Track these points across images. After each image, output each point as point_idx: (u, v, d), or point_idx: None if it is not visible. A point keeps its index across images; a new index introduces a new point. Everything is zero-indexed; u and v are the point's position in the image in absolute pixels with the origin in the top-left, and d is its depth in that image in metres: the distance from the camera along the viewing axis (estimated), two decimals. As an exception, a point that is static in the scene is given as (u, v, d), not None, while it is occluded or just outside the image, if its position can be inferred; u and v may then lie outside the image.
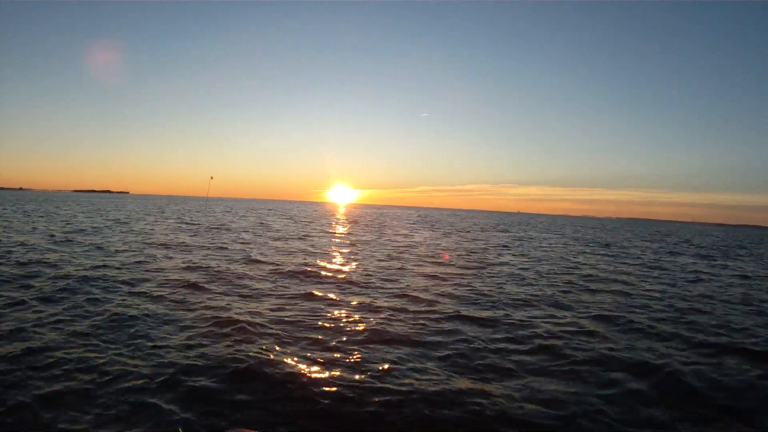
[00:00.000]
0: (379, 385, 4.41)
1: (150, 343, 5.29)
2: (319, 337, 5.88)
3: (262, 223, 30.74)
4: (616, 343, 6.21)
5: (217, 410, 3.86)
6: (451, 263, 14.12)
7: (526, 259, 16.44)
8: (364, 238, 22.32)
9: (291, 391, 4.24)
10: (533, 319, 7.25)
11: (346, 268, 11.84)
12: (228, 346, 5.30)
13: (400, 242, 21.13)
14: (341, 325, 6.46)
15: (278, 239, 19.43)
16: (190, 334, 5.75)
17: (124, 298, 7.42)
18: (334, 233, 25.37)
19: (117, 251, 12.78)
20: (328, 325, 6.39)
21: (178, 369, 4.57)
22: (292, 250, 15.56)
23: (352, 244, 18.85)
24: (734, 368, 5.40)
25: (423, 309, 7.61)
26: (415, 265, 13.03)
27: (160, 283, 8.76)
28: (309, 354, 5.21)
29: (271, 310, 7.11)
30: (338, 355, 5.24)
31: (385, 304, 7.79)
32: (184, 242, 16.11)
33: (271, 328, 6.09)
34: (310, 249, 16.09)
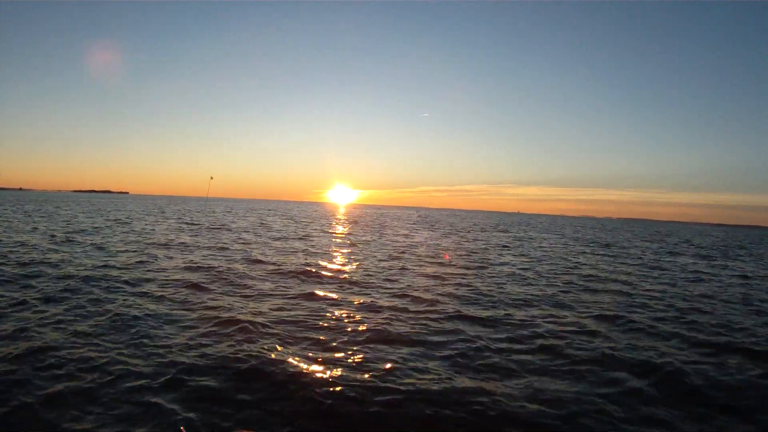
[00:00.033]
0: (381, 384, 4.42)
1: (152, 343, 5.30)
2: (321, 337, 5.89)
3: (262, 224, 30.76)
4: (617, 342, 6.22)
5: (219, 410, 3.87)
6: (452, 263, 14.14)
7: (527, 259, 16.45)
8: (364, 239, 22.33)
9: (293, 391, 4.25)
10: (534, 319, 7.27)
11: (347, 268, 11.86)
12: (230, 346, 5.31)
13: (400, 242, 21.14)
14: (343, 324, 6.48)
15: (279, 239, 19.45)
16: (192, 334, 5.76)
17: (126, 298, 7.43)
18: (335, 233, 25.38)
19: (118, 251, 12.80)
20: (329, 325, 6.41)
21: (180, 369, 4.58)
22: (293, 250, 15.57)
23: (353, 245, 18.86)
24: (735, 367, 5.41)
25: (424, 309, 7.62)
26: (415, 265, 13.04)
27: (161, 283, 8.77)
28: (311, 354, 5.22)
29: (273, 310, 7.13)
30: (340, 355, 5.25)
31: (386, 304, 7.80)
32: (184, 242, 16.13)
33: (273, 328, 6.10)
34: (310, 249, 16.10)
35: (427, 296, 8.65)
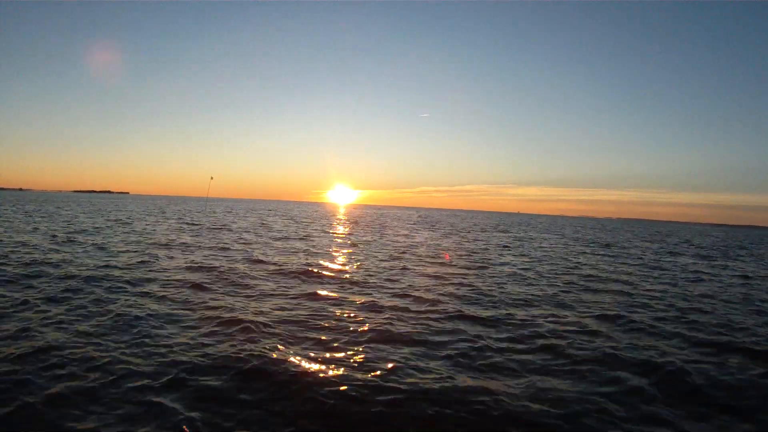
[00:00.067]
0: (383, 384, 4.43)
1: (154, 343, 5.31)
2: (323, 336, 5.90)
3: (263, 224, 30.78)
4: (618, 342, 6.23)
5: (221, 410, 3.88)
6: (452, 263, 14.15)
7: (527, 259, 16.46)
8: (365, 239, 22.34)
9: (295, 391, 4.26)
10: (535, 319, 7.28)
11: (348, 268, 11.87)
12: (232, 346, 5.32)
13: (401, 243, 21.15)
14: (344, 324, 6.49)
15: (280, 239, 19.46)
16: (194, 334, 5.78)
17: (128, 298, 7.44)
18: (335, 234, 25.40)
19: (119, 251, 12.81)
20: (331, 325, 6.42)
21: (182, 369, 4.59)
22: (294, 250, 15.59)
23: (354, 245, 18.87)
24: (736, 367, 5.43)
25: (425, 309, 7.64)
26: (416, 266, 13.06)
27: (163, 283, 8.79)
28: (313, 354, 5.23)
29: (275, 309, 7.14)
30: (342, 355, 5.26)
31: (388, 304, 7.82)
32: (186, 242, 16.14)
33: (275, 328, 6.12)
34: (311, 249, 16.12)
35: (428, 296, 8.67)
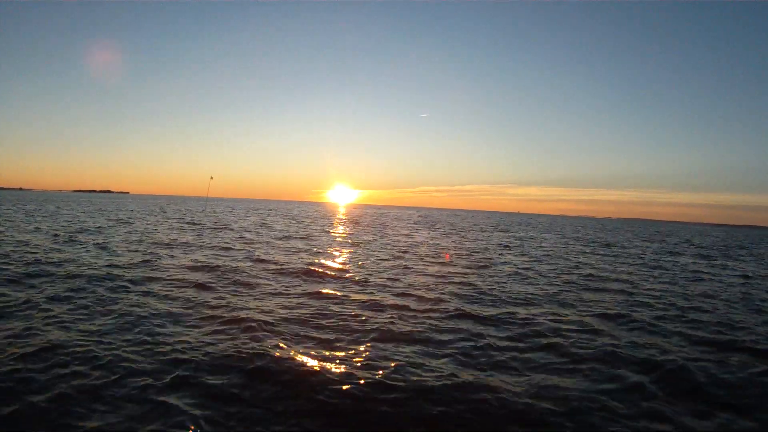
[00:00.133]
0: (387, 382, 4.45)
1: (157, 342, 5.33)
2: (326, 335, 5.93)
3: (263, 223, 30.80)
4: (618, 340, 6.26)
5: (224, 409, 3.90)
6: (453, 263, 14.18)
7: (527, 259, 16.49)
8: (366, 238, 22.37)
9: (298, 390, 4.28)
10: (536, 318, 7.31)
11: (349, 268, 11.89)
12: (235, 344, 5.34)
13: (401, 242, 21.18)
14: (347, 323, 6.51)
15: (281, 239, 19.49)
16: (197, 332, 5.80)
17: (131, 297, 7.47)
18: (336, 233, 25.43)
19: (122, 251, 12.84)
20: (333, 324, 6.45)
21: (185, 367, 4.62)
22: (296, 249, 15.61)
23: (355, 244, 18.90)
24: (736, 365, 5.46)
25: (427, 308, 7.66)
26: (417, 265, 13.08)
27: (166, 282, 8.81)
28: (316, 352, 5.26)
29: (277, 308, 7.17)
30: (345, 354, 5.29)
31: (390, 303, 7.85)
32: (187, 242, 16.17)
33: (277, 327, 6.14)
34: (313, 249, 16.15)
35: (430, 295, 8.70)
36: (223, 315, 6.59)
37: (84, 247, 13.22)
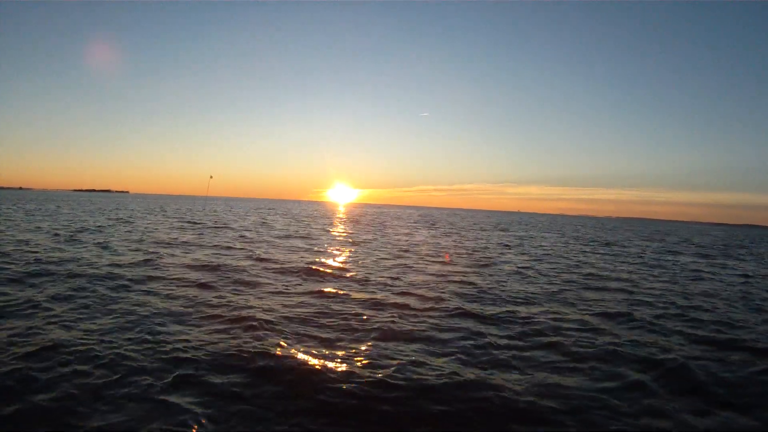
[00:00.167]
0: (388, 381, 4.46)
1: (158, 341, 5.33)
2: (327, 334, 5.94)
3: (264, 222, 30.80)
4: (619, 339, 6.28)
5: (226, 407, 3.90)
6: (453, 262, 14.19)
7: (528, 258, 16.50)
8: (366, 237, 22.38)
9: (300, 389, 4.29)
10: (537, 316, 7.32)
11: (350, 267, 11.90)
12: (236, 344, 5.35)
13: (402, 241, 21.19)
14: (348, 322, 6.52)
15: (281, 238, 19.50)
16: (199, 331, 5.81)
17: (132, 296, 7.48)
18: (336, 232, 25.43)
19: (123, 250, 12.84)
20: (335, 323, 6.45)
21: (186, 366, 4.62)
22: (296, 248, 15.62)
23: (355, 243, 18.91)
24: (736, 364, 5.48)
25: (428, 306, 7.67)
26: (418, 264, 13.10)
27: (167, 281, 8.82)
28: (317, 351, 5.27)
29: (279, 307, 7.17)
30: (346, 353, 5.29)
31: (390, 302, 7.86)
32: (188, 241, 16.18)
33: (279, 326, 6.15)
34: (313, 248, 16.15)
35: (431, 294, 8.71)
36: (224, 314, 6.60)
37: (85, 247, 13.22)
